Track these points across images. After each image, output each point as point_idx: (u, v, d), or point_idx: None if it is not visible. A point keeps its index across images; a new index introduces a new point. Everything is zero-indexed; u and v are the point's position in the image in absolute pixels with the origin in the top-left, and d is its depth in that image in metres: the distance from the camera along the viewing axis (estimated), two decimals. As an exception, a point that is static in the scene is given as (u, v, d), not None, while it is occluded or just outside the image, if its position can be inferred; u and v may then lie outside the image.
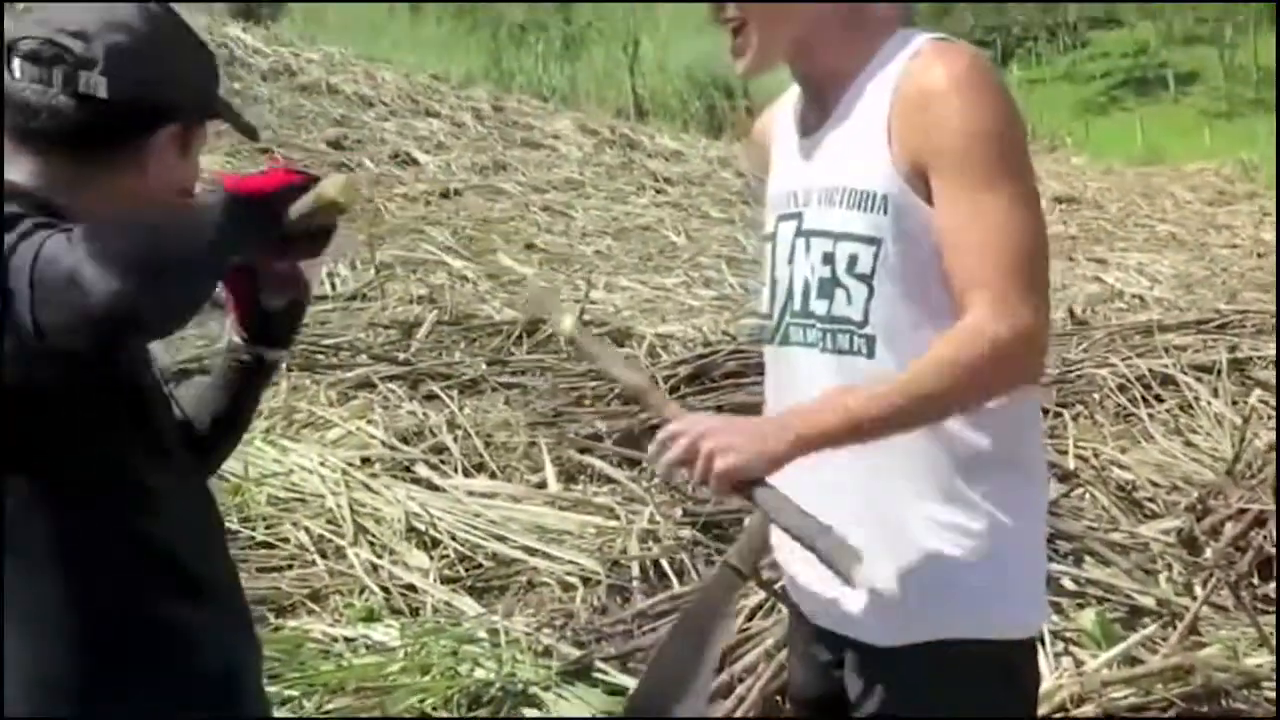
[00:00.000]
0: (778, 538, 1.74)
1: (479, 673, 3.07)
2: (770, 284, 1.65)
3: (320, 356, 5.51)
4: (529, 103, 16.01)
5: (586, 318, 6.30)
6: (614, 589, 3.58)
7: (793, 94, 1.70)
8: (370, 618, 3.36)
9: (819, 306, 1.54)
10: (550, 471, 4.35)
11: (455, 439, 4.54)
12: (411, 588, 3.53)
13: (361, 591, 3.51)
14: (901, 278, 1.48)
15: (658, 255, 9.04)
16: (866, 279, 1.50)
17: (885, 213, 1.48)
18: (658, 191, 11.98)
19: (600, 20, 23.92)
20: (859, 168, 1.50)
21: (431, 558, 3.70)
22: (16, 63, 1.24)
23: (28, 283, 1.11)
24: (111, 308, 1.09)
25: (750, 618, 3.22)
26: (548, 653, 3.19)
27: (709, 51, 20.32)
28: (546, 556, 3.72)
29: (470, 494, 4.14)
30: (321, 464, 4.16)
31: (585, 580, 3.60)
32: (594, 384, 5.25)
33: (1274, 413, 4.81)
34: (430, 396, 5.11)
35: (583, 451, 4.54)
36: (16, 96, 1.25)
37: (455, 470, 4.35)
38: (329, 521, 3.87)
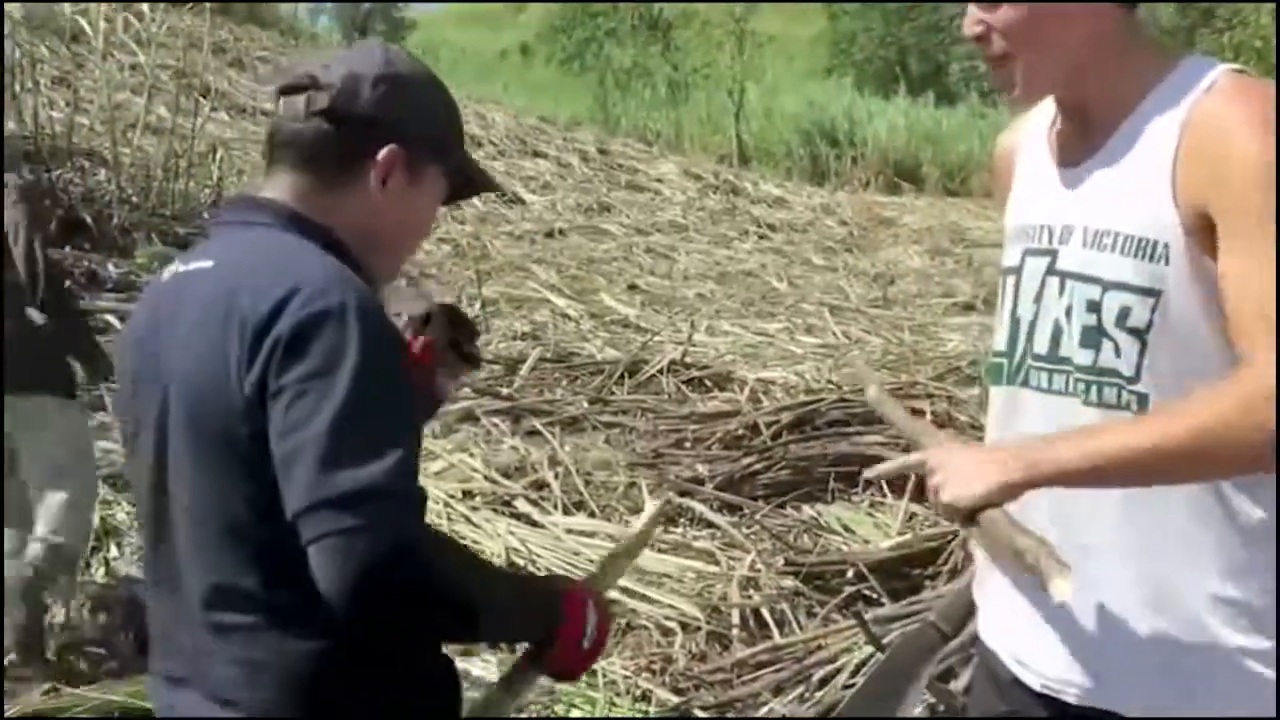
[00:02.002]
0: (987, 592, 1.62)
1: (575, 714, 3.04)
2: (1010, 321, 1.52)
3: (425, 388, 5.57)
4: (634, 146, 16.12)
5: (688, 359, 6.28)
6: (713, 636, 3.53)
7: (1042, 116, 1.57)
8: (468, 652, 3.35)
9: (1083, 356, 1.43)
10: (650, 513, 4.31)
11: (556, 476, 4.55)
12: (509, 623, 3.51)
13: (460, 625, 3.50)
14: (1180, 332, 1.37)
15: (760, 300, 8.99)
16: (1139, 333, 1.38)
17: (1167, 263, 1.36)
18: (760, 237, 11.95)
19: (706, 67, 24.07)
20: (1138, 212, 1.38)
21: (530, 594, 3.68)
22: (282, 101, 1.42)
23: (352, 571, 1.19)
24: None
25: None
26: (645, 697, 3.15)
27: (815, 100, 20.30)
28: (645, 599, 3.68)
29: (569, 531, 4.12)
30: (424, 495, 4.19)
31: (684, 625, 3.55)
32: (695, 427, 5.21)
33: None
34: (532, 432, 5.12)
35: (683, 494, 4.50)
36: (275, 124, 1.43)
37: (555, 507, 4.34)
38: (430, 553, 3.88)
